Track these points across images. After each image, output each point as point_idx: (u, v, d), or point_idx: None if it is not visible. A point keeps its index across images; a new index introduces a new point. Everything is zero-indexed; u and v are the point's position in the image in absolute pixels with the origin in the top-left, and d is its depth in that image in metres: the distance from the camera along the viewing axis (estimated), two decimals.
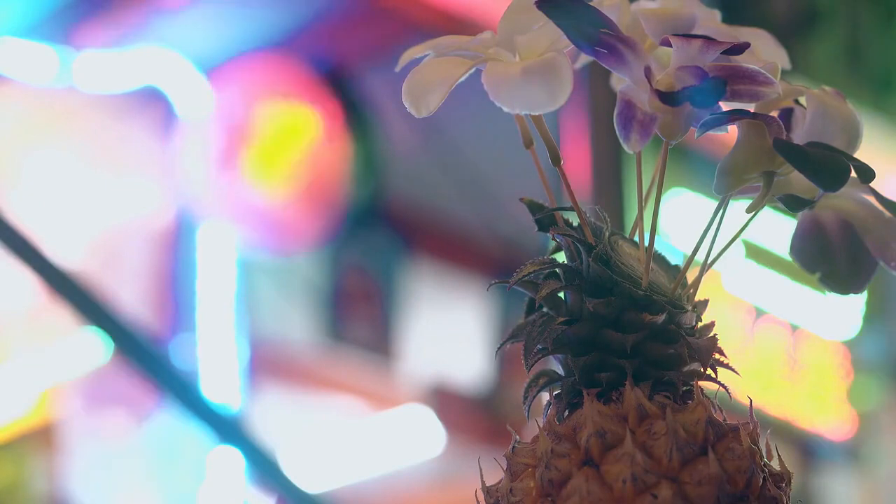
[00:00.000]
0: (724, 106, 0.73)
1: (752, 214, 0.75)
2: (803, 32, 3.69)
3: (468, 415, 4.46)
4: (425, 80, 0.73)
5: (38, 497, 4.11)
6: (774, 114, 0.75)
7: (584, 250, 0.74)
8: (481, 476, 0.76)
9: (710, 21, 0.77)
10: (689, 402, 0.73)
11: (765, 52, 0.78)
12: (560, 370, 0.76)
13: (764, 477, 0.73)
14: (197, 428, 1.79)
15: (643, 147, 0.72)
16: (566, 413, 0.75)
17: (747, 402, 0.77)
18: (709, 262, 0.77)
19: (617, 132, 0.71)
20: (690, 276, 0.78)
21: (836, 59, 3.78)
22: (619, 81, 0.73)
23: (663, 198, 0.77)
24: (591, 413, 0.72)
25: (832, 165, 0.72)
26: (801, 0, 3.84)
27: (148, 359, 1.71)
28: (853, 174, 0.73)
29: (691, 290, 0.77)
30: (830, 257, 0.79)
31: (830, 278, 0.79)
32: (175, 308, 4.02)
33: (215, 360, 3.91)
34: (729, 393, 0.76)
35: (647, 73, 0.71)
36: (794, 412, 4.73)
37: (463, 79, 0.73)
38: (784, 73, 0.76)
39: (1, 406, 4.17)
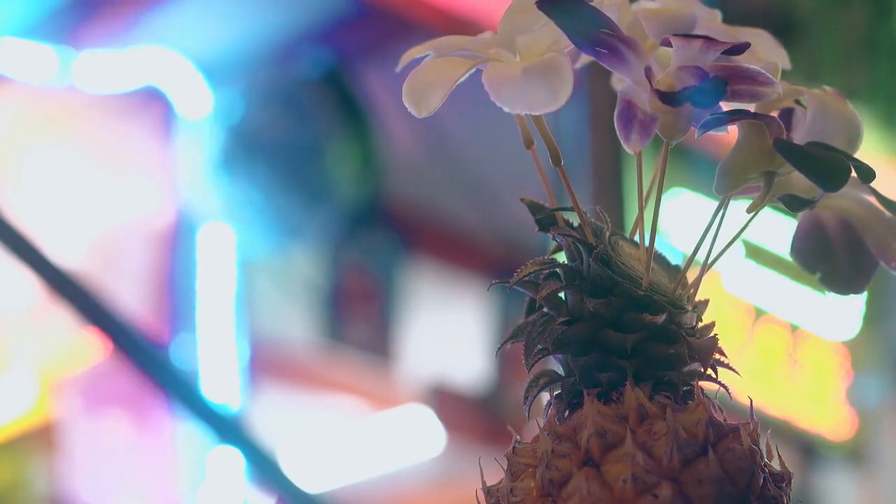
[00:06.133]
0: (725, 106, 0.73)
1: (752, 214, 0.75)
2: (781, 41, 3.69)
3: (468, 415, 4.46)
4: (426, 80, 0.73)
5: (38, 497, 4.11)
6: (775, 114, 0.75)
7: (585, 250, 0.74)
8: (482, 476, 0.76)
9: (711, 21, 0.77)
10: (690, 402, 0.73)
11: (765, 52, 0.78)
12: (560, 370, 0.76)
13: (764, 477, 0.73)
14: (197, 428, 1.80)
15: (643, 147, 0.72)
16: (566, 413, 0.75)
17: (747, 402, 0.77)
18: (709, 262, 0.77)
19: (617, 132, 0.71)
20: (690, 276, 0.78)
21: (813, 68, 3.78)
22: (620, 81, 0.73)
23: (663, 198, 0.77)
24: (591, 413, 0.72)
25: (832, 165, 0.72)
26: (777, 9, 3.84)
27: (148, 359, 1.71)
28: (853, 174, 0.73)
29: (691, 290, 0.77)
30: (831, 257, 0.79)
31: (830, 278, 0.79)
32: (175, 308, 4.02)
33: (215, 360, 3.91)
34: (729, 393, 0.76)
35: (648, 73, 0.71)
36: (794, 412, 4.72)
37: (463, 79, 0.73)
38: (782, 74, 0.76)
39: (1, 406, 4.17)
